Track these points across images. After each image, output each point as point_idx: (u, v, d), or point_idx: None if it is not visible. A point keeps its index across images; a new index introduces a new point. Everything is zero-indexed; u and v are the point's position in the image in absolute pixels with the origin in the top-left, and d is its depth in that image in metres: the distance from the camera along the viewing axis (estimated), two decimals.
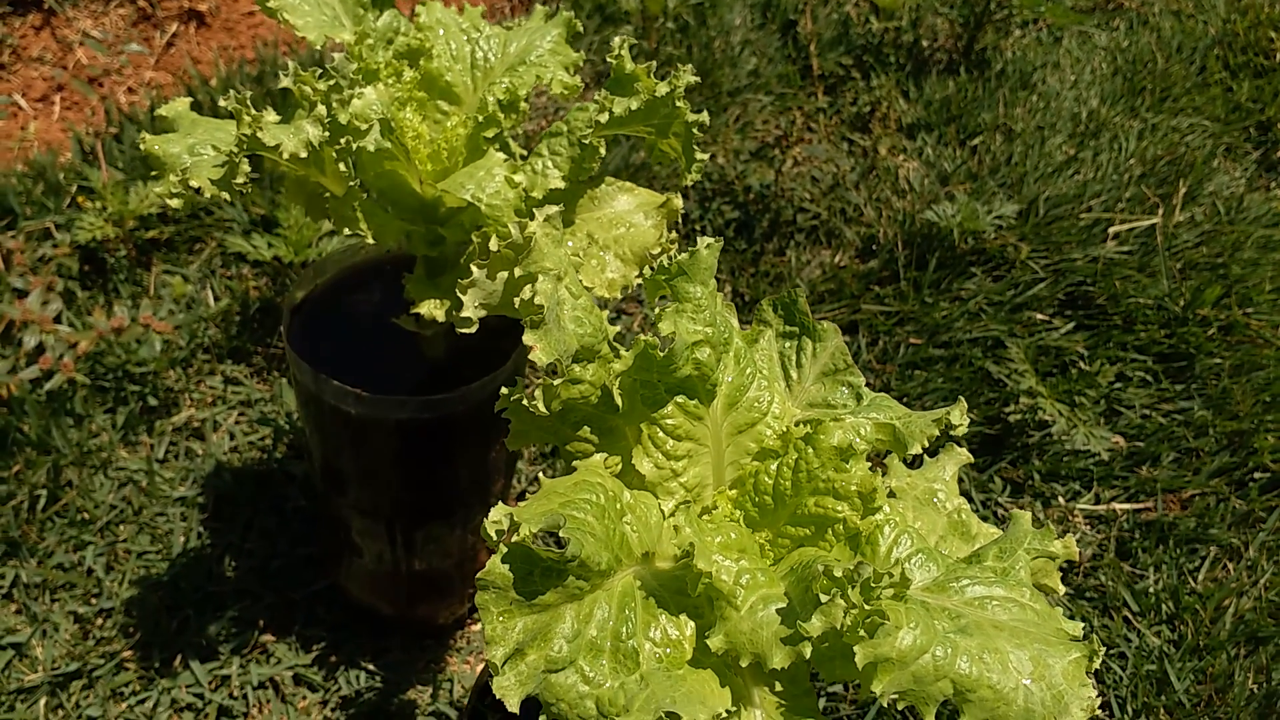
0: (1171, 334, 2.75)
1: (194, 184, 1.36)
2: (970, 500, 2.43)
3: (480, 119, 1.56)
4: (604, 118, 1.47)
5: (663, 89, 1.48)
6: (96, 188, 2.71)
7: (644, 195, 1.66)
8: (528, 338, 1.04)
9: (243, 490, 2.34)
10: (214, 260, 2.73)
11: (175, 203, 1.38)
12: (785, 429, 1.14)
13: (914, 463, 1.28)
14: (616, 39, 1.53)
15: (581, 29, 1.70)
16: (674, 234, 1.63)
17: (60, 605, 2.15)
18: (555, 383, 1.06)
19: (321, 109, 1.40)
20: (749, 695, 1.03)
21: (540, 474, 1.11)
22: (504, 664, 0.91)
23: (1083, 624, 1.11)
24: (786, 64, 3.44)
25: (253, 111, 1.37)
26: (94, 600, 2.17)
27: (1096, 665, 0.93)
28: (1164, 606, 2.29)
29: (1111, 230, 2.95)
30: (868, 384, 1.21)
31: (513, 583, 0.91)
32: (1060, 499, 2.47)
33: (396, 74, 1.58)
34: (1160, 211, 2.99)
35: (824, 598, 0.90)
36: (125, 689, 2.06)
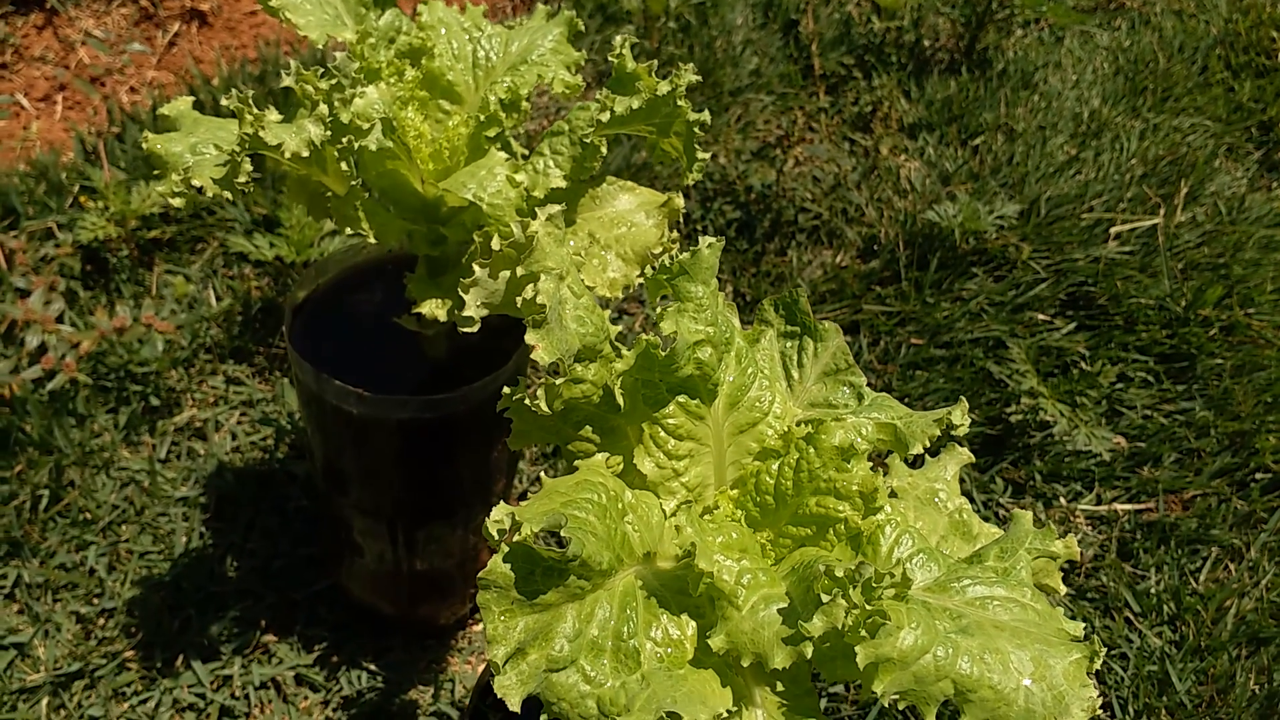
0: (1173, 334, 2.74)
1: (196, 183, 1.36)
2: (972, 500, 2.43)
3: (482, 118, 1.56)
4: (605, 117, 1.47)
5: (664, 88, 1.48)
6: (99, 187, 2.71)
7: (645, 194, 1.66)
8: (530, 337, 1.04)
9: (244, 490, 2.34)
10: (216, 260, 2.73)
11: (177, 202, 1.38)
12: (787, 429, 1.14)
13: (915, 463, 1.28)
14: (618, 38, 1.53)
15: (583, 28, 1.70)
16: (675, 233, 1.63)
17: (62, 605, 2.15)
18: (557, 382, 1.06)
19: (323, 108, 1.40)
20: (750, 695, 1.03)
21: (542, 474, 1.11)
22: (505, 663, 0.91)
23: (1084, 624, 1.11)
24: (788, 63, 3.44)
25: (255, 111, 1.37)
26: (96, 600, 2.17)
27: (1098, 666, 0.93)
28: (1165, 607, 2.29)
29: (1113, 230, 2.95)
30: (869, 384, 1.21)
31: (514, 582, 0.91)
32: (1062, 499, 2.46)
33: (398, 73, 1.59)
34: (1162, 212, 2.99)
35: (825, 598, 0.90)
36: (127, 689, 2.07)
